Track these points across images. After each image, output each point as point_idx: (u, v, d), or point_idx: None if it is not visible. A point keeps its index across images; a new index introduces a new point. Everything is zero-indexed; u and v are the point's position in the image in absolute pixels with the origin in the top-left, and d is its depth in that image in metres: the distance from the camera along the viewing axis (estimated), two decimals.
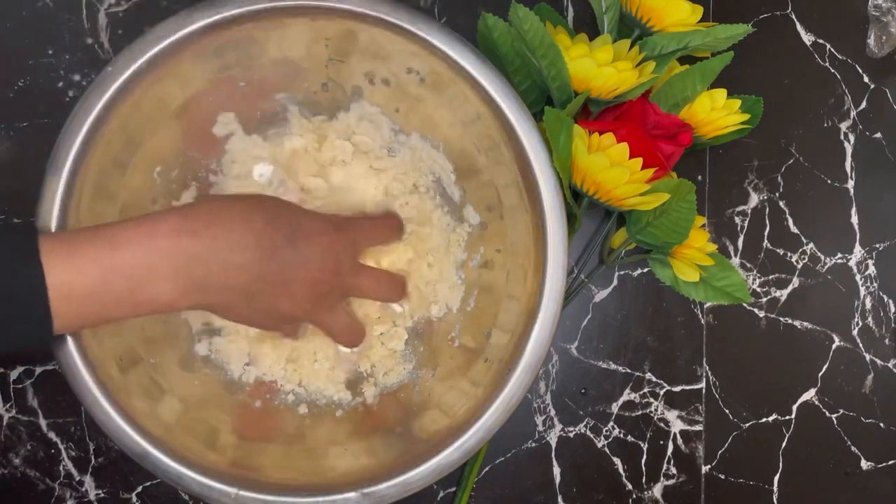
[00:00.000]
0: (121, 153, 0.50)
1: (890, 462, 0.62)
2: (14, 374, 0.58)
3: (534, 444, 0.60)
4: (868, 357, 0.62)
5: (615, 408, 0.61)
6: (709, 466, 0.61)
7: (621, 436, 0.61)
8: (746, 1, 0.62)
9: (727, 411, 0.61)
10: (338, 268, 0.49)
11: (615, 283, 0.61)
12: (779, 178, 0.62)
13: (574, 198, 0.55)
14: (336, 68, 0.54)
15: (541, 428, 0.60)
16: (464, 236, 0.58)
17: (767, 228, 0.62)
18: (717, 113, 0.55)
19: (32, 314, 0.41)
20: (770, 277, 0.62)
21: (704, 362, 0.61)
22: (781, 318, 0.62)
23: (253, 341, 0.56)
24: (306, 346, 0.56)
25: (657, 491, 0.61)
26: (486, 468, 0.60)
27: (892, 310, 0.62)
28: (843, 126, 0.62)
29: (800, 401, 0.62)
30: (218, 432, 0.53)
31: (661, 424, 0.61)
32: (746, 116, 0.56)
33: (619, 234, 0.59)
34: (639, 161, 0.51)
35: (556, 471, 0.60)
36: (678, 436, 0.61)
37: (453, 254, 0.58)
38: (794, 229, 0.62)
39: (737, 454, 0.61)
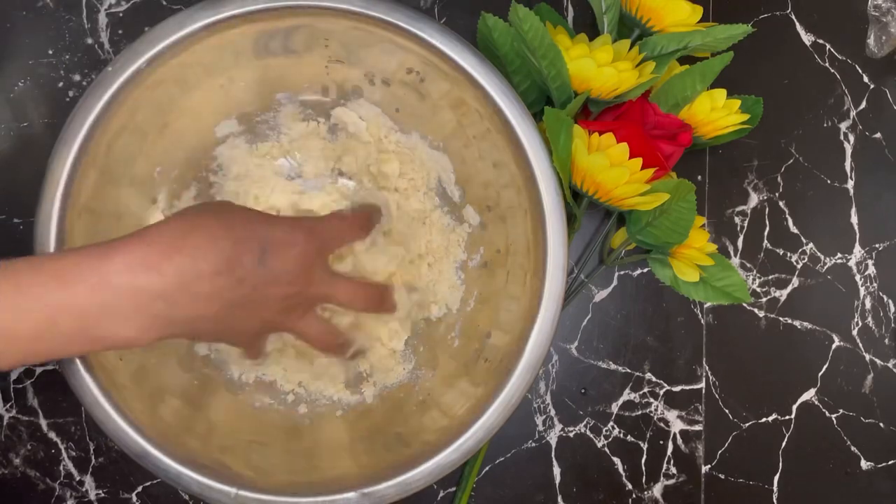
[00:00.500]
0: (121, 153, 0.50)
1: (890, 462, 0.62)
2: (14, 374, 0.58)
3: (534, 444, 0.60)
4: (868, 357, 0.62)
5: (615, 408, 0.61)
6: (709, 466, 0.61)
7: (621, 436, 0.61)
8: (746, 1, 0.62)
9: (727, 411, 0.61)
10: (310, 278, 0.46)
11: (615, 283, 0.61)
12: (779, 178, 0.62)
13: (574, 198, 0.55)
14: (336, 68, 0.54)
15: (541, 428, 0.60)
16: (464, 236, 0.58)
17: (767, 228, 0.62)
18: (716, 113, 0.55)
19: None
20: (770, 277, 0.62)
21: (704, 362, 0.61)
22: (781, 318, 0.62)
23: None
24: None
25: (657, 491, 0.61)
26: (486, 468, 0.60)
27: (892, 310, 0.62)
28: (843, 126, 0.62)
29: (800, 401, 0.62)
30: (218, 432, 0.53)
31: (661, 424, 0.61)
32: (746, 116, 0.56)
33: (618, 234, 0.59)
34: (638, 161, 0.51)
35: (556, 471, 0.60)
36: (678, 436, 0.61)
37: (453, 254, 0.58)
38: (793, 229, 0.62)
39: (737, 454, 0.61)
